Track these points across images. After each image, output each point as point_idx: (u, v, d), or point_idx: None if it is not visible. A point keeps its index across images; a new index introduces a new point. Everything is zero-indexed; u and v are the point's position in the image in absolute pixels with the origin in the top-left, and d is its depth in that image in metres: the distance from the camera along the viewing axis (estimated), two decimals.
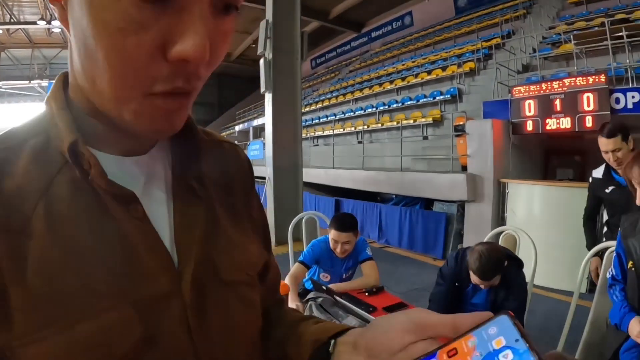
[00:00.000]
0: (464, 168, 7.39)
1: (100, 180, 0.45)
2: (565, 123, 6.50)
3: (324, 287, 2.46)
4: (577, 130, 6.41)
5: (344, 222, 2.84)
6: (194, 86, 0.44)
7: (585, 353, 2.37)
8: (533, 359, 0.34)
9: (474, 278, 2.33)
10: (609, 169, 2.98)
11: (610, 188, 2.92)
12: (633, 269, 1.86)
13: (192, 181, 0.55)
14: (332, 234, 2.84)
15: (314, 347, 0.55)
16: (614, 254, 2.03)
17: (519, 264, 2.50)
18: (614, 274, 1.99)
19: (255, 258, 0.62)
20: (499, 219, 6.56)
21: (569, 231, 5.49)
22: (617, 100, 6.08)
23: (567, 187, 5.96)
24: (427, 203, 8.32)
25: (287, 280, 2.65)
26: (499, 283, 2.38)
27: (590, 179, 3.23)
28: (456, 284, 2.48)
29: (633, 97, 5.93)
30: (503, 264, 2.32)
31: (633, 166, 1.84)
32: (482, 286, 2.37)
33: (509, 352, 0.35)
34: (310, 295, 2.45)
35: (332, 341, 0.53)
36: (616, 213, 2.80)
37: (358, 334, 0.50)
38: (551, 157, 8.39)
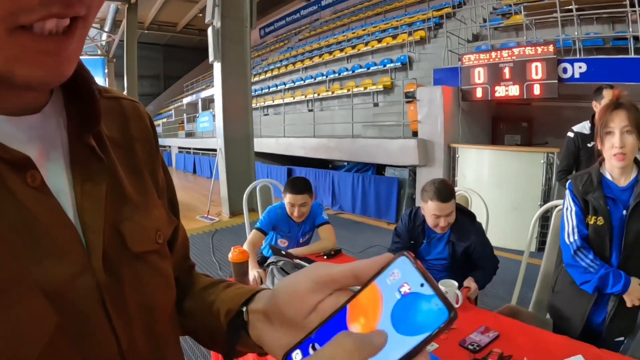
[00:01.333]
0: (415, 134, 7.50)
1: None
2: (514, 91, 6.73)
3: (283, 252, 2.44)
4: (525, 97, 6.65)
5: (299, 185, 2.82)
6: (78, 11, 0.36)
7: (537, 307, 2.47)
8: (440, 303, 0.33)
9: (431, 208, 2.31)
10: (593, 125, 3.18)
11: (592, 143, 3.07)
12: (601, 223, 1.90)
13: (91, 140, 0.48)
14: (288, 198, 2.81)
15: (228, 319, 0.54)
16: (572, 215, 2.02)
17: (472, 215, 2.55)
18: (578, 236, 1.97)
19: (162, 224, 0.58)
20: (452, 180, 6.71)
21: (517, 193, 5.75)
22: (565, 70, 6.34)
23: (516, 152, 6.22)
24: (379, 169, 8.42)
25: (245, 247, 2.57)
26: (455, 235, 2.41)
27: (572, 134, 3.42)
28: (411, 242, 2.50)
29: (580, 67, 6.20)
30: (454, 194, 2.35)
31: (614, 110, 1.84)
32: (440, 225, 2.35)
33: (415, 298, 0.34)
34: (271, 259, 2.42)
35: (244, 309, 0.52)
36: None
37: (266, 301, 0.49)
38: (499, 123, 8.69)
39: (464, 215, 2.48)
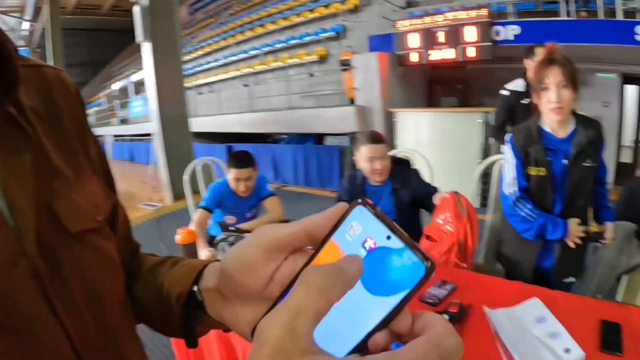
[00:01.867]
0: (352, 101, 7.57)
1: None
2: (449, 54, 6.91)
3: (231, 228, 2.38)
4: (460, 60, 6.81)
5: (242, 158, 2.76)
6: None
7: (487, 258, 2.59)
8: (414, 255, 0.29)
9: (365, 152, 2.40)
10: (527, 83, 3.30)
11: (528, 100, 3.15)
12: (542, 173, 1.98)
13: (11, 109, 0.43)
14: (232, 173, 2.75)
15: (180, 303, 0.49)
16: (512, 167, 2.08)
17: (407, 163, 2.62)
18: (518, 187, 2.05)
19: (99, 200, 0.52)
20: (392, 146, 6.83)
21: (457, 153, 5.94)
22: (498, 33, 6.58)
23: (453, 113, 6.48)
24: (319, 138, 8.47)
25: (192, 228, 2.51)
26: (396, 183, 2.47)
27: (507, 92, 3.54)
28: None
29: (513, 30, 6.48)
30: (386, 141, 2.45)
31: (549, 66, 1.89)
32: (375, 169, 2.41)
33: (384, 253, 0.30)
34: (220, 236, 2.36)
35: (196, 289, 0.48)
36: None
37: (217, 278, 0.44)
38: (435, 86, 8.88)
39: (400, 164, 2.58)
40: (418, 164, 3.17)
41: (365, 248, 0.31)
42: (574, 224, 1.96)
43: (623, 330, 1.42)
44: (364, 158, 2.42)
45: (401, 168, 2.55)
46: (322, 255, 0.33)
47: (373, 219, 0.31)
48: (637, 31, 5.60)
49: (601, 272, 2.39)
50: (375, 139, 2.42)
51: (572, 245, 1.97)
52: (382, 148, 2.42)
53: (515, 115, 3.46)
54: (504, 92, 3.57)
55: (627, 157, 7.70)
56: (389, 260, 0.30)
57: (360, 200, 0.32)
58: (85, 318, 0.44)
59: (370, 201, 0.32)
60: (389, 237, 0.30)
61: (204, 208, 2.76)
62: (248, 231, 2.34)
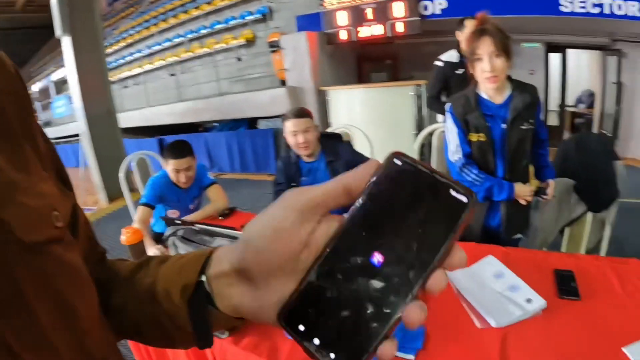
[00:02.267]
0: (283, 83, 7.56)
1: None
2: (378, 30, 7.00)
3: (177, 222, 2.30)
4: (390, 36, 6.90)
5: (180, 148, 2.72)
6: None
7: None
8: (454, 190, 0.30)
9: (289, 126, 2.47)
10: (461, 54, 3.39)
11: (462, 70, 3.26)
12: (483, 139, 2.07)
13: None
14: (171, 165, 2.69)
15: (186, 297, 0.42)
16: (454, 135, 2.14)
17: (338, 136, 2.67)
18: (462, 154, 2.12)
19: (56, 202, 0.41)
20: (325, 125, 6.89)
21: (392, 126, 6.06)
22: (426, 7, 6.72)
23: (385, 87, 6.60)
24: (252, 123, 8.36)
25: (136, 227, 2.39)
26: (328, 156, 2.54)
27: (441, 63, 3.60)
28: (292, 184, 2.57)
29: (440, 4, 6.65)
30: (311, 116, 2.53)
31: (480, 37, 1.94)
32: (299, 142, 2.46)
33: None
34: (168, 231, 2.26)
35: (204, 278, 0.41)
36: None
37: (236, 257, 0.38)
38: (365, 63, 9.00)
39: (330, 138, 2.65)
40: (357, 141, 3.22)
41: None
42: (519, 186, 2.08)
43: (576, 277, 1.53)
44: (289, 133, 2.48)
45: (332, 142, 2.62)
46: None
47: (408, 163, 0.32)
48: (560, 2, 5.89)
49: (545, 227, 2.55)
50: (297, 113, 2.48)
51: (523, 202, 2.10)
52: (305, 122, 2.46)
53: (450, 86, 3.57)
54: (438, 63, 3.63)
55: (553, 121, 8.37)
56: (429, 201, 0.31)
57: (394, 152, 0.33)
58: (60, 353, 0.35)
59: (400, 152, 0.33)
60: (429, 177, 0.32)
61: (146, 204, 2.67)
62: (197, 222, 2.27)
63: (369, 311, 0.31)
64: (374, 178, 0.33)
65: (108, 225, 6.01)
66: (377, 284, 0.31)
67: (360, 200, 0.33)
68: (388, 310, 0.30)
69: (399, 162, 0.33)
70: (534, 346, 1.24)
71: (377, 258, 0.32)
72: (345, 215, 0.34)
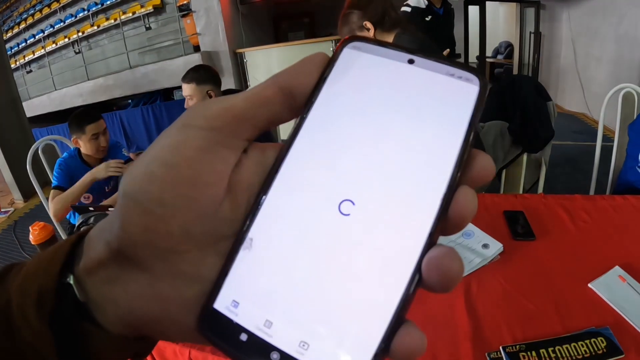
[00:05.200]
0: (197, 48, 7.26)
1: None
2: None
3: (91, 208, 2.03)
4: None
5: (91, 112, 2.53)
6: None
7: None
8: (459, 73, 0.21)
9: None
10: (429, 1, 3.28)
11: (430, 17, 3.18)
12: None
13: None
14: (89, 131, 2.41)
15: (44, 315, 0.22)
16: None
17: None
18: None
19: None
20: (244, 88, 6.66)
21: None
22: None
23: (304, 45, 6.43)
24: (167, 94, 8.04)
25: (54, 220, 2.15)
26: None
27: (408, 9, 3.36)
28: None
29: None
30: (205, 78, 2.54)
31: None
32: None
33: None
34: (79, 221, 1.98)
35: (71, 280, 0.23)
36: (432, 38, 3.11)
37: (115, 233, 0.22)
38: (281, 22, 8.82)
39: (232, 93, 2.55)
40: None
41: None
42: None
43: (527, 216, 1.51)
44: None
45: None
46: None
47: (377, 49, 0.22)
48: None
49: None
50: (185, 76, 2.47)
51: None
52: (189, 88, 2.45)
53: None
54: (405, 9, 3.37)
55: None
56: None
57: (348, 36, 0.23)
58: None
59: (359, 35, 0.23)
60: (411, 61, 0.22)
61: (58, 188, 2.38)
62: (112, 206, 1.99)
63: (358, 286, 0.19)
64: (328, 74, 0.23)
65: (29, 225, 5.60)
66: (362, 237, 0.19)
67: (309, 110, 0.23)
68: (391, 276, 0.19)
69: (358, 49, 0.23)
70: (498, 292, 1.20)
71: (355, 197, 0.20)
72: (286, 139, 0.23)
